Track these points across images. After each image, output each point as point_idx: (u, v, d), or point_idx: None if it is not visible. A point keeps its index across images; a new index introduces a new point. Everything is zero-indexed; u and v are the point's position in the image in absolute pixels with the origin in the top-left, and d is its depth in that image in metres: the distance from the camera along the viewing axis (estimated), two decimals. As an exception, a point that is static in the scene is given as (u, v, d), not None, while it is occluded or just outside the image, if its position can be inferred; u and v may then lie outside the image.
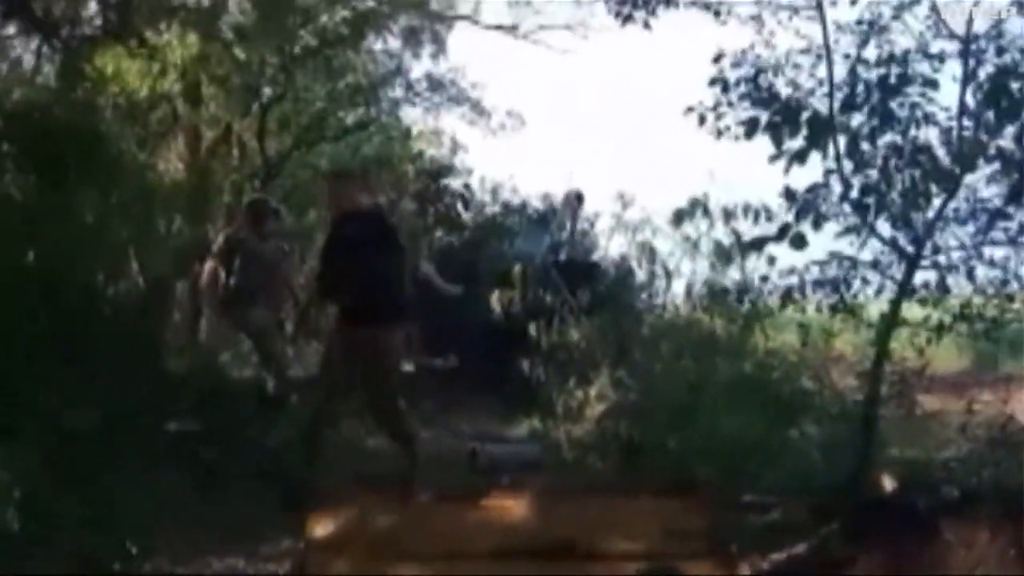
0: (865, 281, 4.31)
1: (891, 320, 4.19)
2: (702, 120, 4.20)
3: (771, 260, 4.83)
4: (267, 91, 8.60)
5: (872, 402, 4.23)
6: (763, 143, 4.07)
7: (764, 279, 4.58)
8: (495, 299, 7.66)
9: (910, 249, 4.18)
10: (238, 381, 6.54)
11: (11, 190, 5.04)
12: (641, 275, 7.32)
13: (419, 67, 9.91)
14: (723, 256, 5.01)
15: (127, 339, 6.05)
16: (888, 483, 4.01)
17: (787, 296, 4.38)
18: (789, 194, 4.00)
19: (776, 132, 3.98)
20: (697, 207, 4.98)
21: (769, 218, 4.36)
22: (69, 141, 4.36)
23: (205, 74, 7.54)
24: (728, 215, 4.99)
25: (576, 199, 8.90)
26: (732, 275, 5.52)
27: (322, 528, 3.11)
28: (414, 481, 4.22)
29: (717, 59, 4.34)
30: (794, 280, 4.29)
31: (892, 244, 4.22)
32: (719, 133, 4.19)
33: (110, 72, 6.09)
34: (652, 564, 2.71)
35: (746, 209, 4.68)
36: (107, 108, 5.88)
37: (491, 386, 7.43)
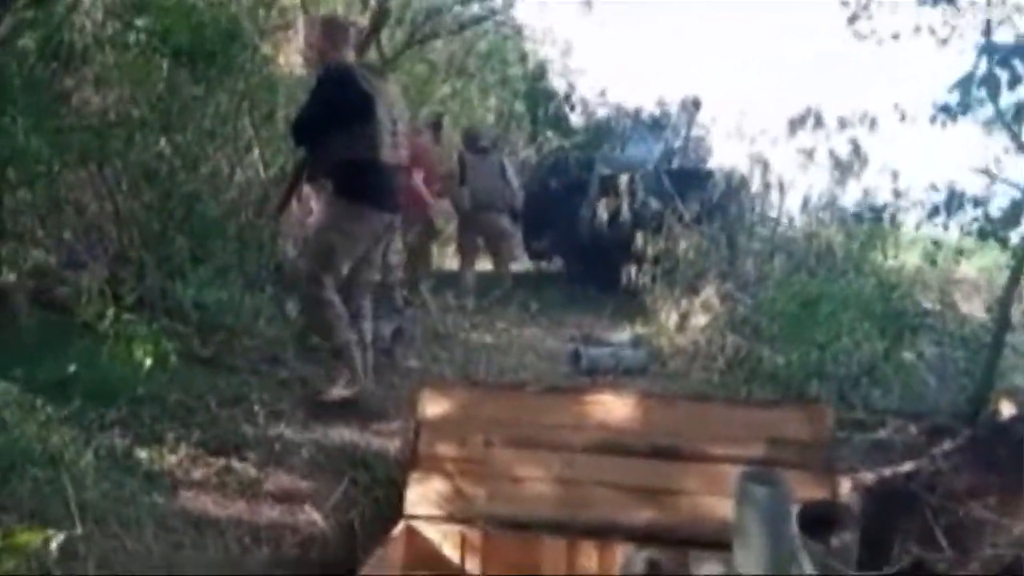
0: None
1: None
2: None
3: (895, 175, 4.59)
4: (383, -15, 8.55)
5: (1002, 327, 4.02)
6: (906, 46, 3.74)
7: (897, 194, 4.33)
8: (602, 206, 7.58)
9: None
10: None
11: (150, 79, 5.25)
12: (756, 186, 7.08)
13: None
14: (841, 168, 4.72)
15: (248, 226, 6.33)
16: (1007, 410, 3.86)
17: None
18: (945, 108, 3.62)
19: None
20: (809, 116, 4.69)
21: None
22: (213, 34, 4.43)
23: (323, -33, 7.56)
24: (844, 124, 4.67)
25: (693, 105, 8.64)
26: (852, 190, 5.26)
27: (432, 410, 3.24)
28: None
29: None
30: (933, 196, 4.03)
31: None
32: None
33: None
34: (753, 469, 2.70)
35: (863, 118, 4.37)
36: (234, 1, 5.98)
37: (596, 291, 7.47)
